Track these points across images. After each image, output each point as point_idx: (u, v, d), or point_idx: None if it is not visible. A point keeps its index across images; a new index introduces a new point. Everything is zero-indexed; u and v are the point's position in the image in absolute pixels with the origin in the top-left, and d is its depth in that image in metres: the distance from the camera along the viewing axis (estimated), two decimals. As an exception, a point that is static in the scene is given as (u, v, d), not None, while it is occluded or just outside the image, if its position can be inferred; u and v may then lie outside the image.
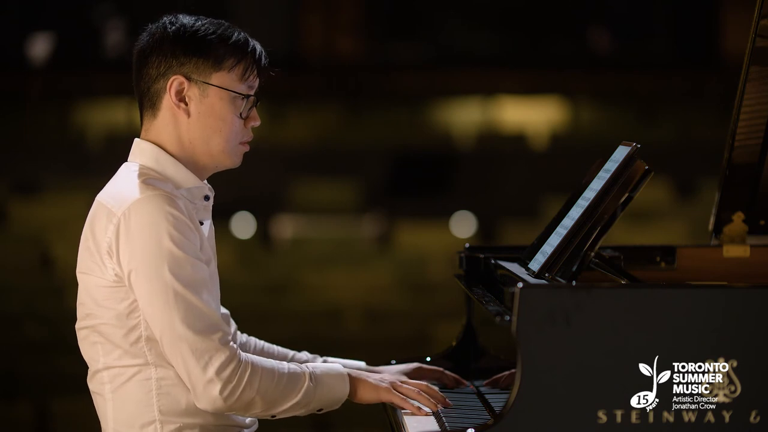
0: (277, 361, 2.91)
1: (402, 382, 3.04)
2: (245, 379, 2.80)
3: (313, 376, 2.91)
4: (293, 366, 2.91)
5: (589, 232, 2.94)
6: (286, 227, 10.83)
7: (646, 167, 2.93)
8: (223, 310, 3.16)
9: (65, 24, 13.70)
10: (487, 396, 3.20)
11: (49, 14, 13.82)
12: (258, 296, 8.33)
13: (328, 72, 13.48)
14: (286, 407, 2.88)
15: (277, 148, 11.96)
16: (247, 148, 2.99)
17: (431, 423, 2.93)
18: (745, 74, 3.27)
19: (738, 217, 3.50)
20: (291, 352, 3.32)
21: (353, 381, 2.98)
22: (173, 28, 2.92)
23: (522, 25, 14.70)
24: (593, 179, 3.07)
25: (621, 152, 3.00)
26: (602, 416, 2.64)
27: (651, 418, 2.65)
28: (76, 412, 6.20)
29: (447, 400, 3.02)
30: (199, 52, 2.90)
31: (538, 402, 2.64)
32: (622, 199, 2.94)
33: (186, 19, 2.93)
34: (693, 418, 2.66)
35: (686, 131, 12.56)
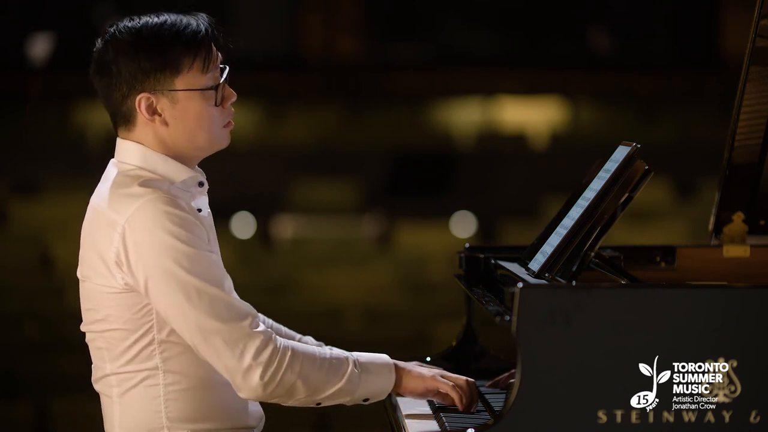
0: (320, 348, 2.88)
1: (447, 373, 3.00)
2: (285, 363, 2.76)
3: (358, 363, 2.87)
4: (337, 351, 2.88)
5: (589, 232, 2.94)
6: (286, 227, 10.84)
7: (646, 167, 2.93)
8: None
9: (65, 24, 13.70)
10: (487, 396, 3.20)
11: (49, 14, 13.82)
12: (258, 296, 8.30)
13: (328, 72, 13.48)
14: (330, 393, 2.83)
15: (277, 148, 11.96)
16: (232, 126, 2.95)
17: (431, 423, 2.93)
18: (745, 74, 3.27)
19: (738, 217, 3.49)
20: (297, 336, 3.29)
21: (399, 371, 2.93)
22: (120, 44, 2.85)
23: (522, 25, 14.70)
24: (593, 179, 3.07)
25: (621, 152, 3.00)
26: (602, 416, 2.64)
27: (651, 418, 2.65)
28: (76, 412, 6.21)
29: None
30: (155, 65, 2.84)
31: (538, 402, 2.64)
32: (622, 199, 2.94)
33: (128, 29, 2.85)
34: (693, 418, 2.66)
35: (686, 131, 12.56)
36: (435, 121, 13.17)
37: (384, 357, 2.94)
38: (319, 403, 2.86)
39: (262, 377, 2.75)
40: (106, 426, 2.94)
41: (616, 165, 2.96)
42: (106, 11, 13.88)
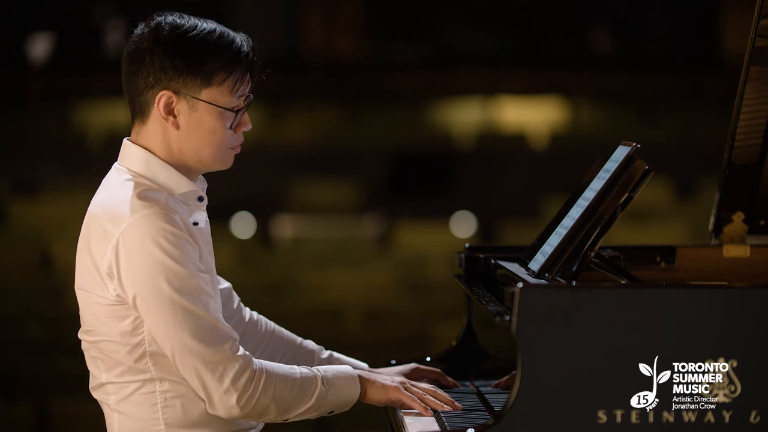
0: (290, 366, 2.90)
1: (412, 384, 3.04)
2: (260, 387, 2.80)
3: (325, 380, 2.91)
4: (305, 370, 2.91)
5: (589, 232, 2.94)
6: (286, 227, 10.83)
7: (646, 167, 2.93)
8: (225, 284, 3.17)
9: (65, 24, 13.70)
10: (487, 396, 3.20)
11: (49, 14, 13.82)
12: (258, 296, 8.32)
13: (328, 72, 13.48)
14: (300, 412, 2.88)
15: (277, 148, 11.96)
16: (238, 151, 2.95)
17: (431, 423, 2.93)
18: (745, 74, 3.27)
19: (738, 217, 3.49)
20: (299, 339, 3.32)
21: (363, 382, 2.98)
22: (162, 36, 2.84)
23: (522, 25, 14.70)
24: (593, 179, 3.07)
25: (621, 152, 3.00)
26: (602, 416, 2.64)
27: (651, 418, 2.65)
28: (76, 412, 6.20)
29: (456, 403, 3.02)
30: (189, 68, 2.83)
31: (538, 402, 2.64)
32: (622, 199, 2.94)
33: (175, 25, 2.85)
34: (693, 418, 2.66)
35: (686, 131, 12.56)
36: (435, 121, 13.17)
37: (348, 370, 2.98)
38: (287, 420, 2.91)
39: (238, 401, 2.79)
40: None
41: (616, 165, 2.96)
42: (106, 11, 13.88)
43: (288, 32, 13.93)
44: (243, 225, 10.84)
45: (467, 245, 3.52)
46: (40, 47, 13.13)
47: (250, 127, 2.94)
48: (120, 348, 2.84)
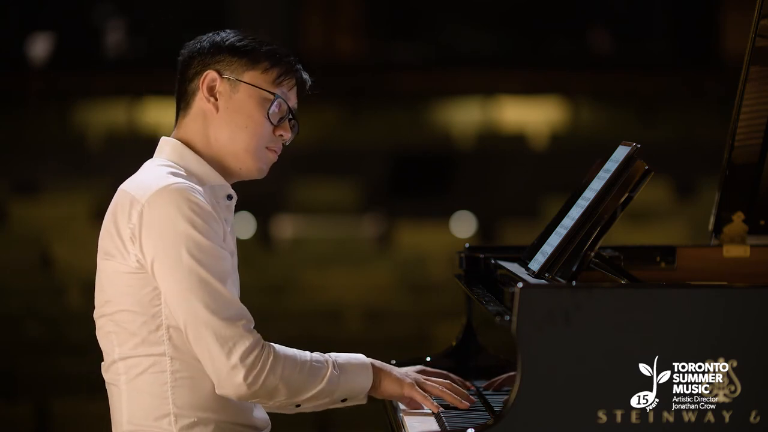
0: (300, 350, 2.89)
1: (426, 378, 3.02)
2: (268, 366, 2.79)
3: (336, 364, 2.90)
4: (316, 354, 2.90)
5: (589, 232, 2.94)
6: (286, 227, 10.84)
7: (646, 167, 2.93)
8: None
9: (65, 24, 13.70)
10: (487, 396, 3.20)
11: (49, 14, 13.82)
12: (258, 296, 8.32)
13: (328, 72, 13.47)
14: (310, 395, 2.86)
15: (277, 148, 11.94)
16: (274, 158, 3.00)
17: (431, 423, 2.94)
18: (745, 74, 3.27)
19: (738, 217, 3.50)
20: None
21: (377, 372, 2.96)
22: (219, 34, 2.99)
23: (522, 25, 14.71)
24: (593, 179, 3.07)
25: (621, 152, 3.00)
26: (602, 416, 2.64)
27: (651, 418, 2.65)
28: (76, 412, 6.20)
29: (470, 396, 3.02)
30: (235, 52, 2.95)
31: (538, 402, 2.64)
32: (622, 199, 2.94)
33: (233, 31, 3.00)
34: (693, 418, 2.66)
35: (686, 131, 12.56)
36: (435, 121, 13.17)
37: (361, 357, 2.97)
38: (299, 405, 2.88)
39: (245, 378, 2.78)
40: (114, 417, 2.96)
41: (616, 165, 2.96)
42: (106, 11, 13.88)
43: (288, 32, 13.93)
44: (243, 225, 10.84)
45: (467, 245, 3.52)
46: (40, 47, 13.13)
47: (288, 135, 3.01)
48: (136, 318, 2.86)
